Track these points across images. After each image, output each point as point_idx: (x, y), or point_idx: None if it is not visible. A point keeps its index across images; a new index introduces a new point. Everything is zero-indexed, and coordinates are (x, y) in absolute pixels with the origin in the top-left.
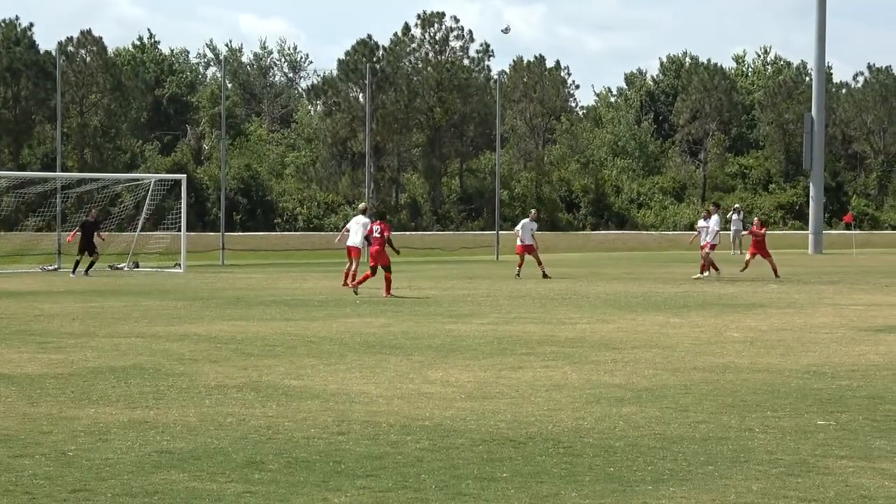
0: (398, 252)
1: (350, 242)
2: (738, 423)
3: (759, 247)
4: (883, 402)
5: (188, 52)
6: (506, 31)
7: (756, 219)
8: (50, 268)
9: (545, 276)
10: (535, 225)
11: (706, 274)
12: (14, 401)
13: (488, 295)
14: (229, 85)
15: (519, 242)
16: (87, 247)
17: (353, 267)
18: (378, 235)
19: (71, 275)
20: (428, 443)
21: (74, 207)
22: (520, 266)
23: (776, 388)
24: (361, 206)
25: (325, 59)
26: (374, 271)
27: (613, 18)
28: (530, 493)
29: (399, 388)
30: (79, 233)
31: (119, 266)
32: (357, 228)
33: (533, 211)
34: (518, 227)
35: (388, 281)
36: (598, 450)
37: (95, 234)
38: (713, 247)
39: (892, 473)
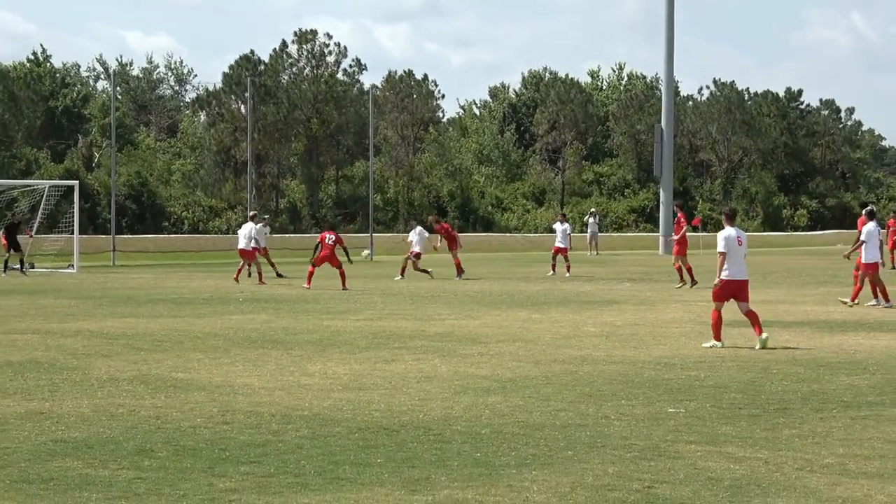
0: (351, 261)
1: (240, 246)
2: (595, 411)
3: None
4: (728, 391)
5: (79, 66)
6: None
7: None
8: None
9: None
10: (567, 227)
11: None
12: None
13: (363, 293)
14: (119, 97)
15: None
16: (13, 245)
17: (241, 266)
18: (330, 243)
19: (2, 274)
20: (307, 431)
21: None
22: (554, 266)
23: (630, 379)
24: (250, 213)
25: (208, 72)
26: (314, 267)
27: (474, 35)
28: (403, 478)
29: (280, 381)
30: (3, 234)
31: (15, 267)
32: (244, 234)
33: (561, 214)
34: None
35: (343, 276)
36: (466, 437)
37: (18, 233)
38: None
39: (736, 457)
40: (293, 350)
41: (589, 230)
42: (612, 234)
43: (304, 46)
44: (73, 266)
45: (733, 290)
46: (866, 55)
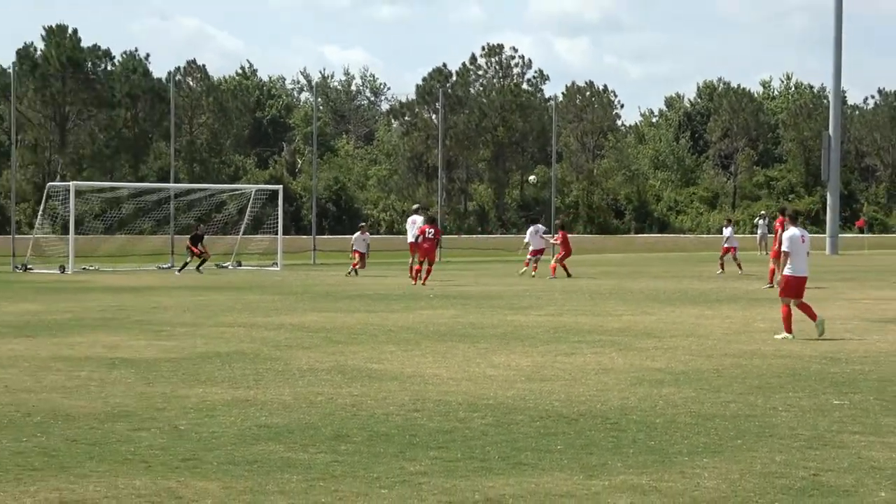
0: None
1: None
2: (764, 402)
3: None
4: (892, 385)
5: (284, 79)
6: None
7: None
8: (165, 266)
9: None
10: (730, 229)
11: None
12: (133, 381)
13: (545, 290)
14: (321, 108)
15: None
16: (197, 252)
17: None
18: (431, 237)
19: (177, 273)
20: (492, 419)
21: (184, 212)
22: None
23: (797, 372)
24: (414, 206)
25: (401, 84)
26: (422, 265)
27: (651, 48)
28: (581, 464)
29: (467, 371)
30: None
31: (224, 265)
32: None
33: (726, 219)
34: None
35: (429, 273)
36: (641, 426)
37: (200, 243)
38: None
39: None
40: (479, 343)
41: (759, 231)
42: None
43: (492, 59)
44: (276, 264)
45: (799, 285)
46: None
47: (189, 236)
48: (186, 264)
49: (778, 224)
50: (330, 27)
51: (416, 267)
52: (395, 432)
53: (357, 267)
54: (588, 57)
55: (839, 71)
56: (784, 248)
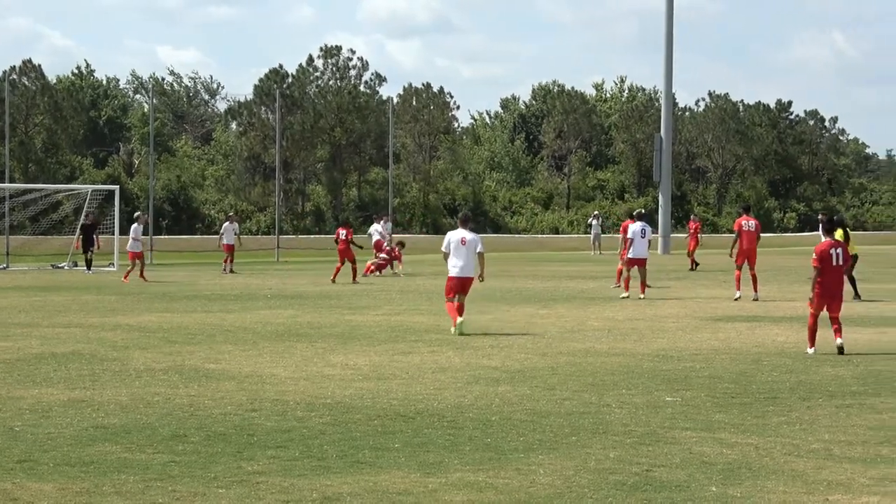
0: (360, 247)
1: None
2: (598, 399)
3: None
4: (722, 381)
5: (118, 80)
6: None
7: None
8: (60, 266)
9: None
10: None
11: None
12: None
13: (382, 290)
14: (158, 109)
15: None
16: (88, 245)
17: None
18: (343, 238)
19: (88, 272)
20: (330, 418)
21: (19, 212)
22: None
23: (630, 370)
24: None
25: (236, 85)
26: (342, 264)
27: (483, 50)
28: (418, 461)
29: (305, 371)
30: (80, 235)
31: (60, 265)
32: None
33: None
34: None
35: (355, 272)
36: (477, 423)
37: (94, 234)
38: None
39: (729, 442)
40: (317, 343)
41: (592, 231)
42: (614, 235)
43: (329, 60)
44: (113, 265)
45: (639, 264)
46: (847, 70)
47: (82, 231)
48: (90, 261)
49: (622, 229)
50: (163, 27)
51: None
52: (233, 432)
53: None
54: (420, 58)
55: (670, 74)
56: (628, 236)
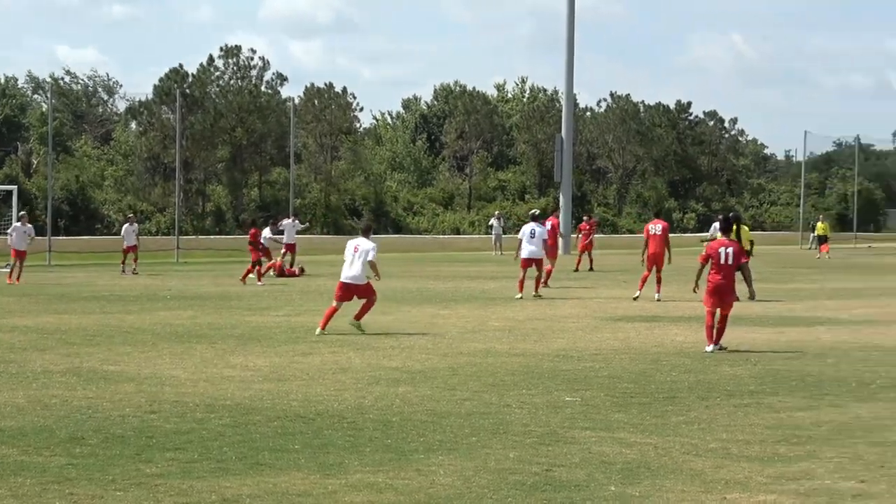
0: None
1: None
2: (498, 399)
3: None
4: (621, 381)
5: (17, 79)
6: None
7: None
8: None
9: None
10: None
11: None
12: None
13: (283, 291)
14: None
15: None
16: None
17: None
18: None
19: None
20: (229, 419)
21: None
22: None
23: (531, 370)
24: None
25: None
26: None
27: (384, 51)
28: (318, 463)
29: (204, 373)
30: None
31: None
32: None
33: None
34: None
35: (259, 273)
36: (378, 424)
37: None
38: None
39: (628, 442)
40: (217, 344)
41: (494, 232)
42: (515, 236)
43: (230, 60)
44: (9, 266)
45: (526, 264)
46: (745, 71)
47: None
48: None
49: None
50: (61, 26)
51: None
52: (132, 434)
53: None
54: (322, 59)
55: (571, 74)
56: (518, 236)
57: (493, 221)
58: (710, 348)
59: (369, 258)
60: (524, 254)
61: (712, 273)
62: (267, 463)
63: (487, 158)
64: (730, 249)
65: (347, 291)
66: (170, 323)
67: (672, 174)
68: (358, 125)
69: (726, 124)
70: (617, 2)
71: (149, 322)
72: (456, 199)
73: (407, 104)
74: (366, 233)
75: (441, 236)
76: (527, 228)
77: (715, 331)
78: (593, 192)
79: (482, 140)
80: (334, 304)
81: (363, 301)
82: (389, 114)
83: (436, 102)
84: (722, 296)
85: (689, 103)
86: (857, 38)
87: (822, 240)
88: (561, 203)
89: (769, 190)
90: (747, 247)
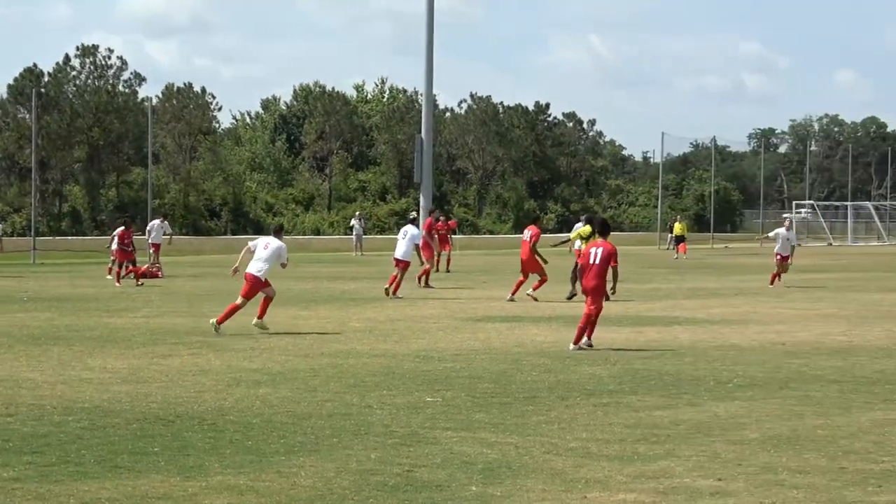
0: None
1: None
2: (359, 400)
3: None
4: (482, 381)
5: None
6: None
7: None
8: None
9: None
10: (793, 235)
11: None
12: None
13: (141, 292)
14: None
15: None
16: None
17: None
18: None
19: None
20: (88, 422)
21: None
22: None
23: (391, 371)
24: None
25: None
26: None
27: (242, 51)
28: (178, 465)
29: (62, 375)
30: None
31: None
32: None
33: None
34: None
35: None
36: (238, 426)
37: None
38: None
39: (489, 442)
40: (75, 346)
41: (354, 232)
42: (376, 236)
43: (87, 60)
44: None
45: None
46: (604, 73)
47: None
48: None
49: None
50: None
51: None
52: None
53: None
54: (179, 58)
55: (431, 75)
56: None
57: (353, 222)
58: (577, 344)
59: (281, 261)
60: (395, 253)
61: (584, 273)
62: (126, 466)
63: (347, 159)
64: (599, 250)
65: (249, 284)
66: (27, 325)
67: (531, 175)
68: (217, 125)
69: (585, 125)
70: (477, 4)
71: (5, 324)
72: (316, 199)
73: (266, 104)
74: (277, 233)
75: (301, 237)
76: (403, 229)
77: (577, 329)
78: (453, 192)
79: (342, 141)
80: (239, 300)
81: (263, 298)
82: (249, 114)
83: (295, 103)
84: (591, 295)
85: (548, 104)
86: (712, 42)
87: (679, 240)
88: (421, 204)
89: (627, 191)
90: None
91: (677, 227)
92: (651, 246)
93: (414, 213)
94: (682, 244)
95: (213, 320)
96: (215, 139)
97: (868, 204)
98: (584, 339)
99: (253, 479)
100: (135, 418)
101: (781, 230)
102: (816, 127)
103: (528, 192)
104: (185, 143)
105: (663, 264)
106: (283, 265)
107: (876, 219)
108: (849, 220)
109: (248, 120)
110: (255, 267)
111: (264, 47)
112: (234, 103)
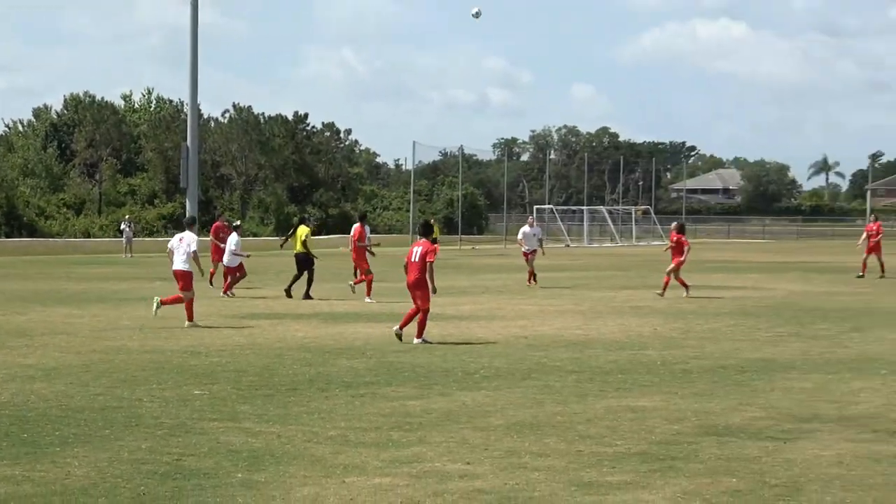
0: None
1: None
2: (130, 394)
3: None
4: (246, 375)
5: None
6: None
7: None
8: None
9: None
10: (538, 230)
11: None
12: None
13: None
14: None
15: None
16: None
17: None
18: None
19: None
20: None
21: None
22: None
23: (161, 365)
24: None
25: None
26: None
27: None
28: None
29: None
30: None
31: None
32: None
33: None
34: (520, 236)
35: None
36: (14, 419)
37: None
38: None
39: (253, 432)
40: None
41: (124, 235)
42: (145, 239)
43: None
44: None
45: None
46: (358, 85)
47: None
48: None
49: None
50: None
51: None
52: None
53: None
54: None
55: (195, 86)
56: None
57: (123, 226)
58: (397, 331)
59: (190, 249)
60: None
61: (409, 269)
62: None
63: (117, 165)
64: (418, 248)
65: (175, 276)
66: None
67: (291, 181)
68: None
69: (342, 135)
70: (239, 18)
71: None
72: (87, 203)
73: (37, 113)
74: (190, 226)
75: (73, 239)
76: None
77: (416, 324)
78: (218, 197)
79: (111, 148)
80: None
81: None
82: (21, 122)
83: (66, 112)
84: (413, 291)
85: (307, 115)
86: (459, 58)
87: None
88: (187, 207)
89: (381, 196)
90: (300, 248)
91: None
92: (404, 247)
93: (238, 222)
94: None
95: (187, 322)
96: None
97: (602, 208)
98: (397, 328)
99: (28, 470)
100: None
101: (525, 227)
102: (555, 137)
103: (288, 197)
104: None
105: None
106: (194, 255)
107: (609, 222)
108: (585, 223)
109: (19, 128)
110: (174, 262)
111: (35, 57)
112: (5, 112)
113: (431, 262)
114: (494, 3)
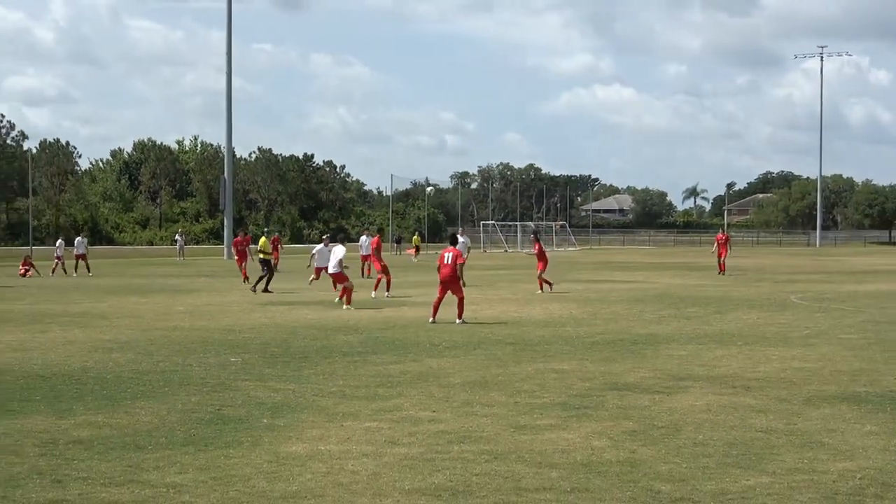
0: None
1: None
2: (183, 360)
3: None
4: (270, 346)
5: None
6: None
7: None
8: None
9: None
10: (466, 239)
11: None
12: None
13: (24, 285)
14: None
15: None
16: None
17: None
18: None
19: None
20: None
21: None
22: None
23: (206, 340)
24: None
25: None
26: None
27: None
28: (54, 409)
29: None
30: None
31: None
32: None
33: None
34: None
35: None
36: (97, 381)
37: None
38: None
39: (275, 388)
40: None
41: (178, 244)
42: (194, 246)
43: None
44: None
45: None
46: (350, 133)
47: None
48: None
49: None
50: None
51: None
52: None
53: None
54: (51, 121)
55: (230, 133)
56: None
57: (177, 236)
58: (432, 320)
59: (341, 256)
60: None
61: (441, 268)
62: (16, 409)
63: (172, 192)
64: (450, 253)
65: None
66: None
67: (302, 203)
68: (78, 168)
69: (338, 169)
70: (258, 83)
71: None
72: (150, 220)
73: (114, 153)
74: (341, 241)
75: (140, 247)
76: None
77: (457, 308)
78: (248, 216)
79: (168, 179)
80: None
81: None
82: (101, 160)
83: (134, 153)
84: (447, 285)
85: (313, 154)
86: (423, 112)
87: (418, 248)
88: (226, 224)
89: (368, 215)
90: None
91: (415, 239)
92: (388, 253)
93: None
94: (415, 250)
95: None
96: (77, 178)
97: (530, 223)
98: (434, 315)
99: (108, 417)
100: (21, 376)
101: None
102: (496, 171)
103: (299, 215)
104: (55, 181)
105: (400, 264)
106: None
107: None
108: (518, 234)
109: (100, 165)
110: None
111: (112, 114)
112: (90, 153)
113: (462, 263)
114: (448, 72)
